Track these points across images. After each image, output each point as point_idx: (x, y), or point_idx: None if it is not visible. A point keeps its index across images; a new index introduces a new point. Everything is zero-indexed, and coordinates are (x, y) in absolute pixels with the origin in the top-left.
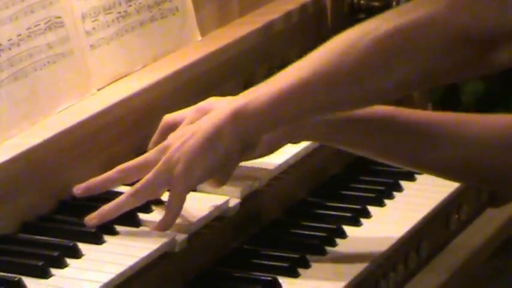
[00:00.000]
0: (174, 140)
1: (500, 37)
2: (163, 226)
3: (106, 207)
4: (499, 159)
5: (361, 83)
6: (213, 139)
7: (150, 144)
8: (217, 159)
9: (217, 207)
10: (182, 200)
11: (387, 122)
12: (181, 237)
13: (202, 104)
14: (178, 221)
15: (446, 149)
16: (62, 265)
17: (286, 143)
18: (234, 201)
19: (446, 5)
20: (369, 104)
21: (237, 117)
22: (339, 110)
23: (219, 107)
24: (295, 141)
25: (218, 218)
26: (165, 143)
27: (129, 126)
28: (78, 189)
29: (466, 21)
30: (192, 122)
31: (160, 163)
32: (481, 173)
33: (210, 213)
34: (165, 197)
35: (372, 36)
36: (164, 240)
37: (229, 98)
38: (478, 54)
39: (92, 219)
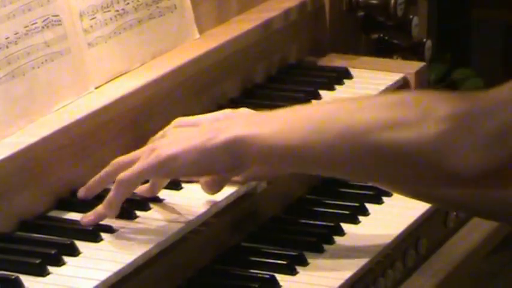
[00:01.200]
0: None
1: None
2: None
3: (100, 206)
4: None
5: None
6: (207, 146)
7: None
8: (203, 161)
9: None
10: (137, 177)
11: None
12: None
13: (218, 114)
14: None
15: None
16: (59, 263)
17: None
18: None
19: (436, 136)
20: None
21: (242, 145)
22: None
23: (232, 124)
24: None
25: (216, 215)
26: (160, 134)
27: (127, 124)
28: (81, 191)
29: (455, 161)
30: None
31: (147, 146)
32: None
33: (238, 190)
34: (163, 195)
35: (363, 138)
36: (163, 238)
37: (245, 111)
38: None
39: (89, 219)
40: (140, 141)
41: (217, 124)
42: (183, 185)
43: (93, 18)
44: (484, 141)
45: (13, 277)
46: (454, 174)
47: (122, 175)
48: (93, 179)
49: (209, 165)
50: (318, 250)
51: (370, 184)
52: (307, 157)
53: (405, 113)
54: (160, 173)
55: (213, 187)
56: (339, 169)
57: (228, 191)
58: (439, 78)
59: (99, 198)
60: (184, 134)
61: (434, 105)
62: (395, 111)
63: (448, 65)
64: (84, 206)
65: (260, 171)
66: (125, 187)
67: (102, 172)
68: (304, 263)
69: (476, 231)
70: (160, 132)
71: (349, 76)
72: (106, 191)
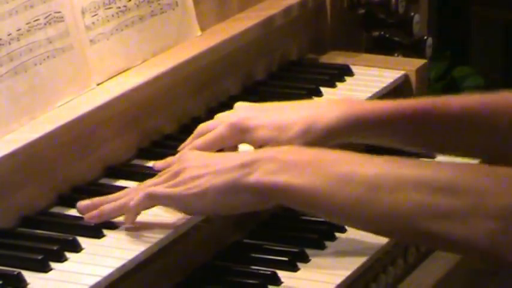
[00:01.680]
0: (191, 165)
1: None
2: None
3: (107, 207)
4: None
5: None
6: (235, 189)
7: (180, 147)
8: (230, 205)
9: None
10: (154, 203)
11: (424, 119)
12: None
13: (234, 120)
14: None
15: (489, 132)
16: (61, 259)
17: None
18: None
19: (486, 234)
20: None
21: (270, 188)
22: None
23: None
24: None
25: None
26: (179, 165)
27: (129, 121)
28: (88, 218)
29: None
30: (222, 140)
31: (172, 177)
32: None
33: None
34: None
35: (405, 221)
36: (164, 234)
37: (257, 108)
38: None
39: (93, 217)
40: (142, 137)
41: (248, 163)
42: None
43: (95, 15)
44: None
45: (15, 273)
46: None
47: (153, 190)
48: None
49: (231, 207)
50: (319, 247)
51: None
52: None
53: (454, 203)
54: (182, 207)
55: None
56: (369, 229)
57: None
58: (439, 76)
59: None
60: (213, 179)
61: (484, 196)
62: (443, 198)
63: (448, 62)
64: None
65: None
66: (150, 201)
67: (134, 203)
68: (305, 259)
69: None
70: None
71: (350, 73)
72: (107, 186)
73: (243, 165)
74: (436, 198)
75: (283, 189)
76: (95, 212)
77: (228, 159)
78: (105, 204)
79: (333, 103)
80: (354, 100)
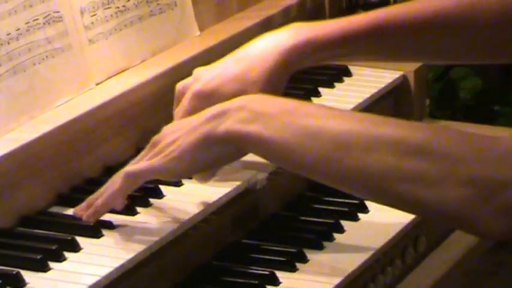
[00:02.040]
0: (167, 134)
1: None
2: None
3: (98, 202)
4: None
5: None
6: (208, 141)
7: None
8: (207, 159)
9: (245, 181)
10: (136, 181)
11: (391, 27)
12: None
13: (197, 88)
14: (192, 199)
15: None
16: (60, 259)
17: None
18: (262, 175)
19: (456, 200)
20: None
21: (240, 138)
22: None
23: (227, 109)
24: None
25: (216, 212)
26: (155, 138)
27: (128, 121)
28: (85, 218)
29: (478, 226)
30: (194, 111)
31: (150, 150)
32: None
33: (238, 186)
34: (164, 191)
35: (377, 182)
36: (163, 234)
37: (213, 67)
38: None
39: (89, 216)
40: (140, 137)
41: (210, 117)
42: (184, 181)
43: (93, 15)
44: (504, 210)
45: (14, 272)
46: (479, 235)
47: (131, 168)
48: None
49: (213, 158)
50: (318, 247)
51: None
52: (305, 168)
53: (426, 167)
54: (166, 175)
55: (207, 176)
56: (338, 186)
57: (228, 187)
58: (437, 77)
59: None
60: (185, 140)
61: (456, 162)
62: (416, 161)
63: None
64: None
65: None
66: (133, 180)
67: (119, 183)
68: (304, 259)
69: None
70: (151, 143)
71: (348, 74)
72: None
73: (214, 117)
74: (408, 160)
75: (254, 140)
76: (90, 211)
77: (199, 115)
78: (97, 199)
79: (281, 34)
80: (303, 25)
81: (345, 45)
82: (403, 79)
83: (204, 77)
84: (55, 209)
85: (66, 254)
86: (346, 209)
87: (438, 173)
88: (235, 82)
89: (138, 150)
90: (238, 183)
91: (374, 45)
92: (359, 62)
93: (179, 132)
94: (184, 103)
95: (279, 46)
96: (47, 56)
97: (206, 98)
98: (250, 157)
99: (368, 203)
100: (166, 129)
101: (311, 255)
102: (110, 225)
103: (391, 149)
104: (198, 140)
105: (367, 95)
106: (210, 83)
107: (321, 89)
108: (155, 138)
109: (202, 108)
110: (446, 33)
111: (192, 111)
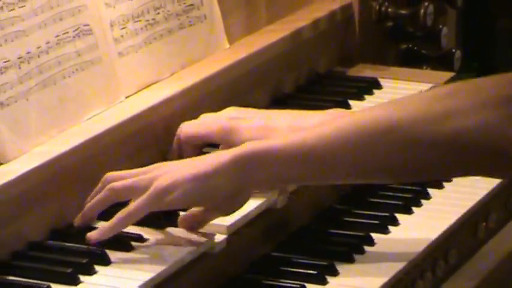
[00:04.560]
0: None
1: None
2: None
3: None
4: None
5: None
6: (210, 174)
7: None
8: (204, 193)
9: (265, 200)
10: (137, 214)
11: None
12: (220, 237)
13: (223, 122)
14: (216, 220)
15: None
16: (91, 272)
17: None
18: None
19: (501, 117)
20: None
21: (254, 158)
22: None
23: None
24: None
25: (246, 225)
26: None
27: (158, 134)
28: (76, 222)
29: None
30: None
31: (145, 176)
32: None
33: (257, 207)
34: None
35: (430, 134)
36: (193, 247)
37: (244, 111)
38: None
39: (92, 237)
40: (170, 150)
41: (217, 154)
42: None
43: (123, 28)
44: None
45: (45, 286)
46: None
47: (125, 210)
48: (88, 207)
49: (211, 190)
50: (348, 260)
51: (400, 194)
52: (328, 158)
53: (459, 103)
54: (158, 205)
55: (192, 223)
56: (366, 171)
57: (258, 200)
58: None
59: None
60: (184, 163)
61: (488, 90)
62: (448, 102)
63: (475, 74)
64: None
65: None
66: (125, 223)
67: (97, 199)
68: (334, 272)
69: (506, 242)
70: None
71: (378, 86)
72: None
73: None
74: (441, 103)
75: (264, 153)
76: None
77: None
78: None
79: (321, 112)
80: (344, 110)
81: None
82: None
83: (233, 114)
84: None
85: (97, 267)
86: (376, 222)
87: (473, 103)
88: (260, 132)
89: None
90: (268, 196)
91: None
92: None
93: (176, 165)
94: (204, 130)
95: (312, 120)
96: (77, 69)
97: (228, 133)
98: None
99: (398, 216)
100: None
101: (342, 268)
102: (140, 239)
103: (422, 102)
104: (199, 171)
105: None
106: (239, 121)
107: (350, 102)
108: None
109: (217, 140)
110: None
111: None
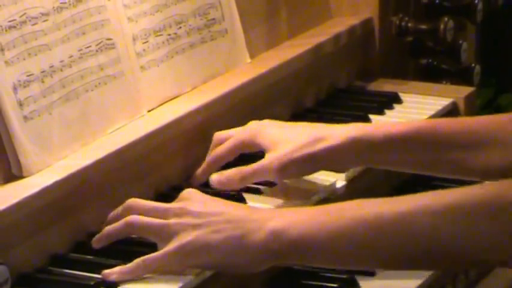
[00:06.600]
0: (192, 208)
1: None
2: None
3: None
4: None
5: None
6: (247, 240)
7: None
8: (237, 259)
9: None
10: (155, 269)
11: (429, 137)
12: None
13: (245, 136)
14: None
15: (494, 152)
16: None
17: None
18: (340, 183)
19: None
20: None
21: (274, 240)
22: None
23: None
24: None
25: None
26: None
27: (180, 148)
28: (94, 243)
29: None
30: (232, 154)
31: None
32: None
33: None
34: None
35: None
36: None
37: (274, 122)
38: None
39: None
40: (193, 163)
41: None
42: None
43: (145, 42)
44: None
45: None
46: None
47: (146, 259)
48: (105, 235)
49: (241, 264)
50: (370, 273)
51: None
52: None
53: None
54: (179, 266)
55: None
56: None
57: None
58: (484, 104)
59: None
60: (208, 208)
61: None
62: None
63: (493, 90)
64: None
65: None
66: (143, 272)
67: (114, 229)
68: (355, 286)
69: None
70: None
71: (398, 101)
72: None
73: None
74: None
75: (282, 234)
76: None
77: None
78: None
79: (344, 127)
80: (366, 125)
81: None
82: (453, 106)
83: (256, 128)
84: None
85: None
86: None
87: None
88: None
89: (188, 177)
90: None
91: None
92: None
93: (202, 219)
94: (227, 145)
95: (335, 133)
96: (99, 83)
97: (249, 147)
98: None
99: None
100: (190, 196)
101: (363, 282)
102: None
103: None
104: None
105: None
106: (261, 136)
107: (371, 116)
108: (179, 204)
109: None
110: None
111: (230, 155)
